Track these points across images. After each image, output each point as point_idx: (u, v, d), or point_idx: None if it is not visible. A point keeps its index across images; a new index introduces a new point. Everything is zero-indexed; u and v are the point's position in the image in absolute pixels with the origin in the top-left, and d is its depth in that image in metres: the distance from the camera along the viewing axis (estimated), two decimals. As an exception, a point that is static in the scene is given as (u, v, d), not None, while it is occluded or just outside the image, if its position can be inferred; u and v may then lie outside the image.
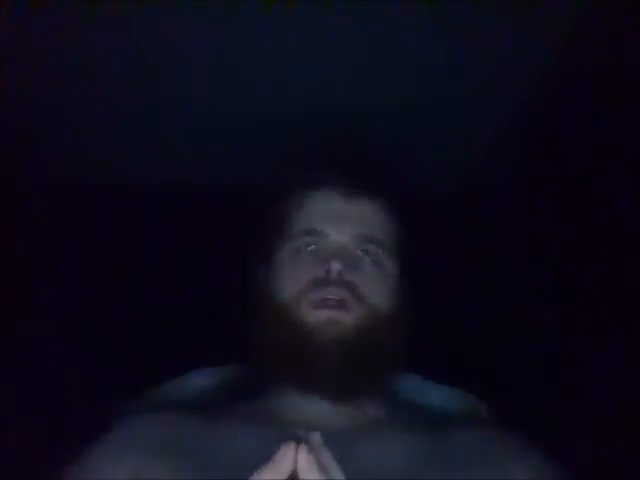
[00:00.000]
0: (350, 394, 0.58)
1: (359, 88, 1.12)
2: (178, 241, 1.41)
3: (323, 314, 0.57)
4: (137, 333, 1.29)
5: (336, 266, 0.58)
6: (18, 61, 1.02)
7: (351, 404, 0.58)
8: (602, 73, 0.89)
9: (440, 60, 1.04)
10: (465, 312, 1.30)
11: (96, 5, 0.90)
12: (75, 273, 1.36)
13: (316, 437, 0.39)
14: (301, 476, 0.36)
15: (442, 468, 0.54)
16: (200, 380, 0.72)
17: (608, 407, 0.80)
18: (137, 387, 0.71)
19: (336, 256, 0.59)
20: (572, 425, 0.84)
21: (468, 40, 0.99)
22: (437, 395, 0.71)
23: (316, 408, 0.58)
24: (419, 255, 0.67)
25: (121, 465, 0.54)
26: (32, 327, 1.28)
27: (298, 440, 0.37)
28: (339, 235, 0.61)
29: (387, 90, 1.13)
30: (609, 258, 0.86)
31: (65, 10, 0.91)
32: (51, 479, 0.56)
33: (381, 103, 1.16)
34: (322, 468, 0.37)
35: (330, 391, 0.57)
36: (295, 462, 0.36)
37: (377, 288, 0.61)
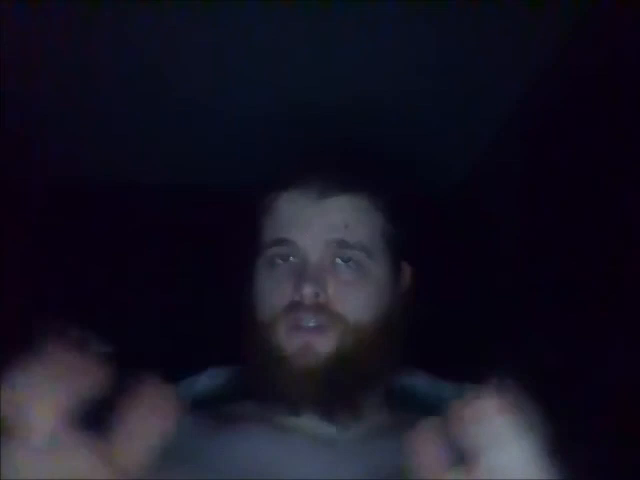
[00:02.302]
0: (333, 415, 0.56)
1: (359, 88, 1.12)
2: (178, 241, 1.41)
3: (299, 340, 0.55)
4: (137, 333, 1.29)
5: (309, 290, 0.55)
6: (18, 61, 1.02)
7: (341, 421, 0.57)
8: (602, 73, 0.89)
9: (440, 60, 1.04)
10: (467, 310, 1.30)
11: (96, 5, 0.90)
12: (76, 273, 1.36)
13: None
14: None
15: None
16: (212, 380, 0.71)
17: (613, 406, 0.80)
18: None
19: (308, 276, 0.55)
20: (577, 424, 0.84)
21: (468, 40, 0.99)
22: (446, 394, 0.70)
23: (311, 420, 0.58)
24: (419, 253, 0.66)
25: None
26: (34, 327, 1.28)
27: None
28: (309, 244, 0.57)
29: (387, 90, 1.13)
30: (611, 255, 0.86)
31: (65, 10, 0.91)
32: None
33: (381, 103, 1.16)
34: None
35: (312, 412, 0.56)
36: None
37: (358, 299, 0.57)
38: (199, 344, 1.22)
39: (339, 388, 0.55)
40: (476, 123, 1.23)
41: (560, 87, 1.02)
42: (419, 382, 0.70)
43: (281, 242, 0.59)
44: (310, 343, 0.55)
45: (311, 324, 0.55)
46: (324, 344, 0.55)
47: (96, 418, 0.29)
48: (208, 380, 0.71)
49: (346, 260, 0.58)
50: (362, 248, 0.59)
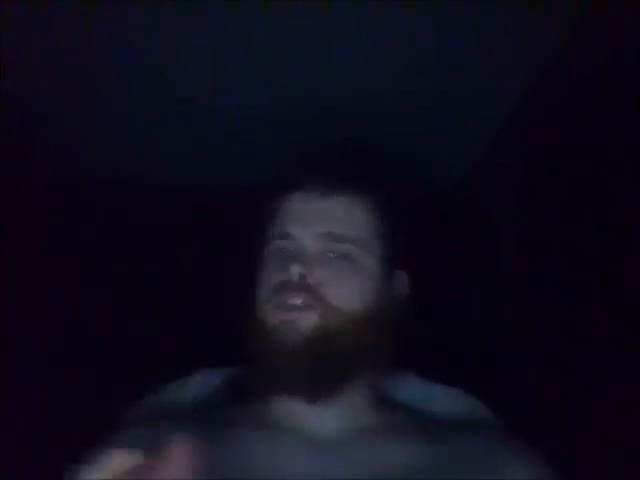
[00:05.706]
0: (316, 394, 0.58)
1: (359, 88, 1.12)
2: (178, 241, 1.41)
3: (282, 316, 0.58)
4: (137, 333, 1.29)
5: (295, 269, 0.58)
6: (18, 61, 1.02)
7: (327, 404, 0.58)
8: (602, 73, 0.89)
9: (440, 60, 1.04)
10: (467, 310, 1.30)
11: (96, 5, 0.90)
12: (75, 273, 1.36)
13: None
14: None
15: (441, 470, 0.54)
16: (203, 382, 0.71)
17: (609, 408, 0.80)
18: (138, 387, 0.71)
19: (297, 259, 0.59)
20: (572, 426, 0.85)
21: (468, 40, 0.99)
22: (438, 396, 0.70)
23: (305, 412, 0.58)
24: (416, 252, 0.66)
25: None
26: (32, 328, 1.28)
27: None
28: (303, 236, 0.61)
29: (387, 90, 1.13)
30: (611, 255, 0.86)
31: (65, 10, 0.91)
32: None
33: (381, 103, 1.16)
34: None
35: (297, 391, 0.58)
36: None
37: (345, 288, 0.60)
38: (198, 344, 1.23)
39: (319, 365, 0.56)
40: (476, 123, 1.23)
41: (560, 87, 1.02)
42: (410, 384, 0.71)
43: (282, 235, 0.63)
44: (292, 318, 0.57)
45: (296, 302, 0.58)
46: (306, 320, 0.57)
47: None
48: (201, 381, 0.71)
49: (337, 254, 0.61)
50: (352, 241, 0.61)
